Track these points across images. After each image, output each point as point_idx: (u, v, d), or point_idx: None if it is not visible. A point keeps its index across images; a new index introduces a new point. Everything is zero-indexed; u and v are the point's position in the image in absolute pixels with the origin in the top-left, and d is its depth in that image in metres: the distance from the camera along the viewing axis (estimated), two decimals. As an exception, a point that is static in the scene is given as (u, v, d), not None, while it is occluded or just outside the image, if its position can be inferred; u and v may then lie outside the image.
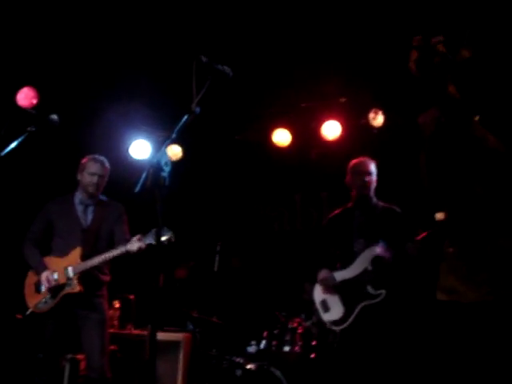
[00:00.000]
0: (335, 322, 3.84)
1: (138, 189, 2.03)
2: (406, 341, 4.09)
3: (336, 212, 4.12)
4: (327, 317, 3.90)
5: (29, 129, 3.07)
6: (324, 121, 5.48)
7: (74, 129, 5.05)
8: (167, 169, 2.09)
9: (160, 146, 2.12)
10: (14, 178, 3.24)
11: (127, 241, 3.78)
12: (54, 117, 3.20)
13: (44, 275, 3.76)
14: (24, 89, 5.10)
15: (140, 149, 5.76)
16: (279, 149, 5.69)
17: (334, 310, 3.88)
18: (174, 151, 5.50)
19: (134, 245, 3.65)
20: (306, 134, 5.65)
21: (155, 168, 2.07)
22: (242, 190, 6.07)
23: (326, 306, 3.92)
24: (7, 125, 2.94)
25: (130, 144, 5.75)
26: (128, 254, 3.69)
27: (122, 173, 4.39)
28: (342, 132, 5.47)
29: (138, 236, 3.69)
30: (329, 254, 4.05)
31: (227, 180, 6.04)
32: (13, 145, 2.97)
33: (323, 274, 3.95)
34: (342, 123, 5.48)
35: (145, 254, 3.68)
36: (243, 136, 5.86)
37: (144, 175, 2.04)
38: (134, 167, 5.60)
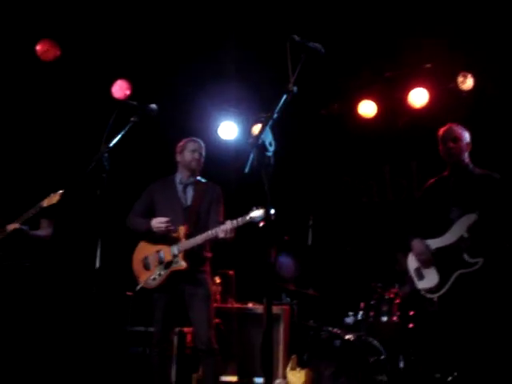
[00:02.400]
0: (430, 290, 3.82)
1: (247, 170, 2.13)
2: (506, 311, 3.99)
3: (431, 181, 4.07)
4: (422, 285, 3.88)
5: (132, 119, 3.23)
6: (410, 89, 5.38)
7: (165, 115, 5.26)
8: (271, 148, 2.17)
9: (263, 126, 2.20)
10: (119, 167, 3.47)
11: (219, 223, 3.94)
12: (153, 106, 3.35)
13: (155, 221, 3.91)
14: (118, 81, 5.38)
15: (228, 130, 5.94)
16: (365, 120, 5.66)
17: (428, 278, 3.85)
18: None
19: (228, 225, 3.81)
20: (392, 104, 5.57)
21: (260, 148, 2.15)
22: (330, 164, 6.08)
23: (420, 274, 3.90)
24: (113, 118, 3.12)
25: (218, 126, 5.93)
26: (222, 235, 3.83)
27: (213, 155, 4.54)
28: (430, 99, 5.36)
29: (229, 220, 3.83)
30: (423, 223, 4.01)
31: (315, 155, 6.07)
32: (119, 136, 3.14)
33: (417, 247, 3.90)
34: (428, 90, 5.36)
35: (246, 231, 3.83)
36: (328, 110, 5.86)
37: (251, 156, 2.13)
38: (223, 148, 5.80)
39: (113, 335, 4.60)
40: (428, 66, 5.34)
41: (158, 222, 3.92)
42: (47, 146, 5.02)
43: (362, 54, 5.21)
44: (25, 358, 4.09)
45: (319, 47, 2.59)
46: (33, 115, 5.12)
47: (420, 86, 5.35)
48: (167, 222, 3.90)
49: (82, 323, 4.06)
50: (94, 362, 3.26)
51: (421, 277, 3.91)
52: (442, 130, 3.97)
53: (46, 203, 3.92)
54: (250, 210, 3.75)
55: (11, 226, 3.97)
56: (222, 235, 3.82)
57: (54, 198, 3.90)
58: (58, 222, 4.19)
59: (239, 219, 3.80)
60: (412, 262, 3.98)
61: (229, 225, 3.82)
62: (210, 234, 3.86)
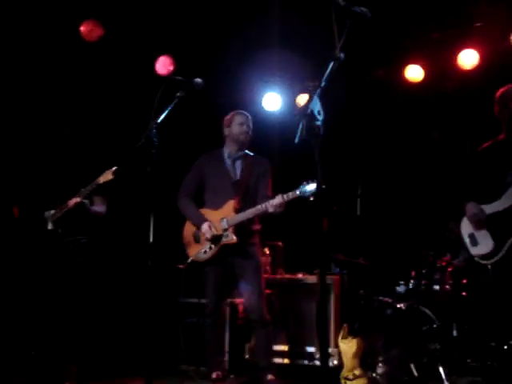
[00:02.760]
0: (484, 256, 3.75)
1: (296, 140, 2.11)
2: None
3: (486, 144, 3.94)
4: (476, 251, 3.82)
5: (178, 94, 3.25)
6: (459, 50, 5.19)
7: (208, 88, 5.27)
8: (320, 117, 2.14)
9: (311, 94, 2.17)
10: (167, 142, 3.51)
11: (268, 197, 3.95)
12: (199, 80, 3.35)
13: (205, 226, 4.00)
14: (160, 58, 5.40)
15: (272, 101, 5.90)
16: (413, 85, 5.50)
17: (482, 244, 3.77)
18: (304, 99, 5.55)
19: (276, 200, 3.81)
20: (440, 67, 5.39)
21: (309, 118, 2.13)
22: (378, 131, 5.96)
23: (474, 240, 3.83)
24: (160, 94, 3.14)
25: (262, 97, 5.90)
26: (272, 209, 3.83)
27: (258, 127, 4.51)
28: (480, 60, 5.16)
29: (280, 195, 3.82)
30: (477, 188, 3.91)
31: (363, 122, 5.96)
32: (166, 111, 3.17)
33: (472, 208, 3.83)
34: (479, 51, 5.16)
35: (294, 202, 3.82)
36: (373, 76, 5.72)
37: (300, 126, 2.11)
38: (268, 120, 5.77)
39: (167, 307, 4.73)
40: (478, 24, 5.12)
41: (208, 230, 3.96)
42: (97, 125, 5.12)
43: (407, 15, 5.04)
44: (83, 330, 4.26)
45: (365, 11, 2.51)
46: (82, 96, 5.22)
47: (470, 47, 5.16)
48: (214, 236, 3.95)
49: (138, 296, 4.19)
50: (150, 333, 3.36)
51: (475, 243, 3.84)
52: (501, 91, 3.83)
53: (101, 180, 4.01)
54: (300, 184, 3.72)
55: (73, 201, 4.07)
56: (271, 210, 3.82)
57: (109, 175, 3.99)
58: (111, 199, 4.30)
59: (289, 194, 3.78)
60: (466, 228, 3.90)
61: (279, 199, 3.80)
62: (259, 208, 3.87)
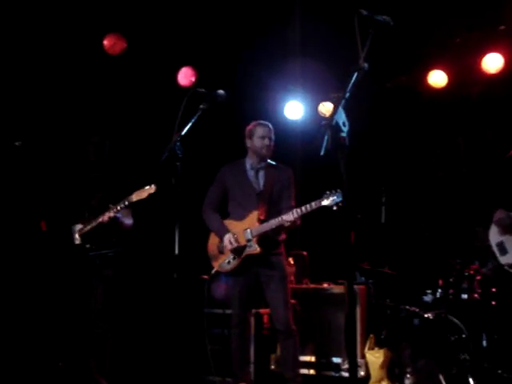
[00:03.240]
0: None
1: (322, 152, 2.10)
2: None
3: (513, 150, 3.90)
4: (505, 259, 3.77)
5: (201, 106, 3.25)
6: (483, 54, 5.13)
7: (230, 97, 5.28)
8: (345, 129, 2.13)
9: (336, 106, 2.15)
10: (191, 154, 3.52)
11: (291, 207, 3.94)
12: (221, 92, 3.34)
13: (226, 238, 4.01)
14: (182, 69, 5.43)
15: (294, 110, 5.89)
16: (436, 91, 5.45)
17: (511, 253, 3.72)
18: (327, 108, 5.53)
19: (291, 216, 3.80)
20: (464, 72, 5.32)
21: (334, 129, 2.12)
22: (402, 138, 5.91)
23: (503, 249, 3.79)
24: (184, 106, 3.15)
25: (284, 106, 5.90)
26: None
27: (279, 135, 4.50)
28: (505, 64, 5.08)
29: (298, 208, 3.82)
30: (506, 193, 3.85)
31: (386, 129, 5.92)
32: (190, 124, 3.18)
33: (499, 214, 3.77)
34: (503, 54, 5.09)
35: (318, 212, 3.81)
36: (394, 82, 5.68)
37: (325, 137, 2.10)
38: (289, 128, 5.75)
39: (193, 318, 4.73)
40: (502, 27, 5.05)
41: (229, 242, 3.96)
42: (122, 138, 5.16)
43: (429, 21, 5.00)
44: (110, 342, 4.28)
45: (388, 20, 2.49)
46: (106, 109, 5.27)
47: (494, 51, 5.09)
48: (236, 248, 3.95)
49: (164, 307, 4.19)
50: (176, 344, 3.37)
51: (504, 251, 3.78)
52: None
53: (134, 198, 3.93)
54: (323, 194, 3.70)
55: (106, 215, 4.01)
56: (287, 225, 3.84)
57: (144, 193, 3.90)
58: (136, 212, 4.31)
59: (307, 206, 3.79)
60: (494, 236, 3.85)
61: (290, 216, 3.80)
62: (274, 222, 3.87)
